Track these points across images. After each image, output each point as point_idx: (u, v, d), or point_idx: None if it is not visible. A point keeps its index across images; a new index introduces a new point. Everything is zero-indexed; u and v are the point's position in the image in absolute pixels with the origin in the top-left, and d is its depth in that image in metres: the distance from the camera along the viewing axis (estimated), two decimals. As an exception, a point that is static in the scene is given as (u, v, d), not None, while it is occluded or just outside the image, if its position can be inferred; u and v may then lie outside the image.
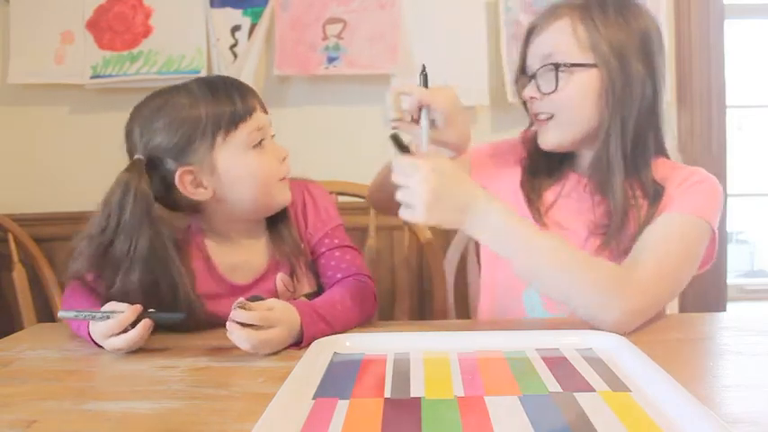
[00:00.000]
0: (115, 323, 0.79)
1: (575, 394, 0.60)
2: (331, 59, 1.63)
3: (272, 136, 0.96)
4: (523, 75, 1.01)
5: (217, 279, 0.95)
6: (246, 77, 1.63)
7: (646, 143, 0.96)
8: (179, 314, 0.84)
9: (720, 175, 1.66)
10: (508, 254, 0.81)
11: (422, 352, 0.75)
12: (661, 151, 1.00)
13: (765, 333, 0.84)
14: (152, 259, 0.84)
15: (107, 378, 0.74)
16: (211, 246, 0.96)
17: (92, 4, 1.66)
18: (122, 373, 0.74)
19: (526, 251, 0.81)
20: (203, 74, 1.65)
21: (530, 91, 0.98)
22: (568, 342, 0.78)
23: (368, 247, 1.47)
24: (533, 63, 0.98)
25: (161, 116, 0.89)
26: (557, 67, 0.93)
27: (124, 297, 0.83)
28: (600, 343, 0.76)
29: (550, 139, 0.99)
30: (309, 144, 1.69)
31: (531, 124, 1.05)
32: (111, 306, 0.82)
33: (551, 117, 0.97)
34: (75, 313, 0.82)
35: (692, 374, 0.67)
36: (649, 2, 1.60)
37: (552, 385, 0.63)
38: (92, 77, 1.66)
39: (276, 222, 0.99)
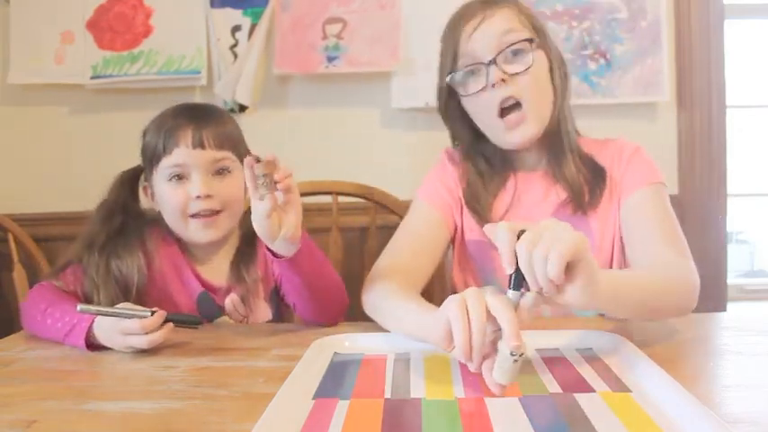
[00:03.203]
0: (139, 325, 0.79)
1: (575, 395, 0.60)
2: (331, 59, 1.63)
3: (222, 170, 0.98)
4: (458, 70, 0.95)
5: (181, 273, 1.03)
6: (247, 77, 1.63)
7: (573, 120, 1.02)
8: (198, 318, 0.88)
9: (720, 175, 1.66)
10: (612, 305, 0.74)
11: (422, 352, 0.75)
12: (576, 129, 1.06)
13: (765, 333, 0.84)
14: (118, 238, 0.99)
15: (107, 378, 0.74)
16: (180, 248, 1.04)
17: (92, 4, 1.66)
18: (122, 373, 0.74)
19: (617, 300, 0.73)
20: (203, 74, 1.65)
21: (497, 74, 0.91)
22: (568, 342, 0.78)
23: (368, 247, 1.47)
24: (483, 51, 0.93)
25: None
26: (531, 41, 0.93)
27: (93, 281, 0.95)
28: (600, 343, 0.77)
29: (526, 132, 0.94)
30: (309, 144, 1.69)
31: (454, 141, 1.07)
32: (123, 306, 0.85)
33: (518, 105, 0.93)
34: (98, 309, 0.82)
35: (692, 374, 0.67)
36: (649, 2, 1.60)
37: (552, 386, 0.63)
38: (92, 77, 1.66)
39: (241, 249, 1.05)
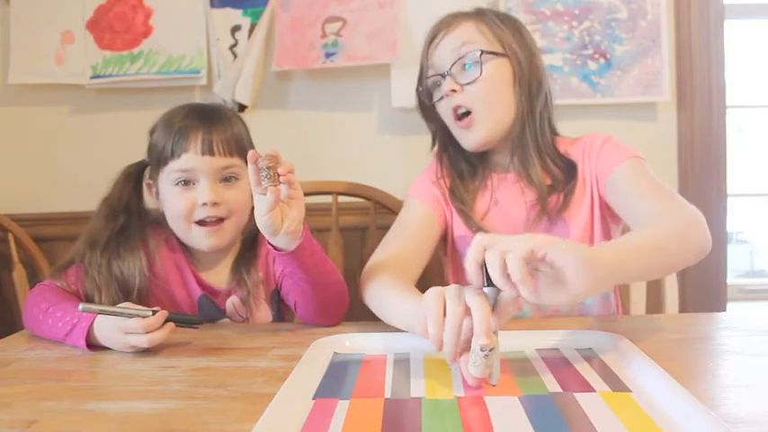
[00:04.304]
0: (141, 325, 0.80)
1: (575, 394, 0.60)
2: (329, 55, 1.63)
3: (229, 178, 0.98)
4: (426, 80, 1.04)
5: (183, 273, 1.03)
6: (246, 77, 1.63)
7: (551, 126, 1.05)
8: (198, 317, 0.89)
9: (720, 175, 1.66)
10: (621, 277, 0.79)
11: (422, 352, 0.75)
12: (555, 131, 1.08)
13: (765, 333, 0.84)
14: (121, 238, 0.99)
15: (107, 378, 0.74)
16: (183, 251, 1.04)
17: (92, 4, 1.66)
18: (122, 373, 0.74)
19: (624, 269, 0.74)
20: (203, 74, 1.64)
21: (449, 84, 0.99)
22: (568, 342, 0.78)
23: (368, 247, 1.47)
24: (442, 63, 1.01)
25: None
26: (481, 53, 0.98)
27: (94, 280, 0.95)
28: (600, 343, 0.77)
29: (476, 136, 1.01)
30: (309, 144, 1.69)
31: (434, 142, 1.11)
32: (125, 306, 0.85)
33: (470, 113, 1.00)
34: (100, 308, 0.82)
35: (692, 374, 0.67)
36: (649, 2, 1.60)
37: (552, 385, 0.63)
38: (92, 77, 1.65)
39: (242, 252, 1.05)
